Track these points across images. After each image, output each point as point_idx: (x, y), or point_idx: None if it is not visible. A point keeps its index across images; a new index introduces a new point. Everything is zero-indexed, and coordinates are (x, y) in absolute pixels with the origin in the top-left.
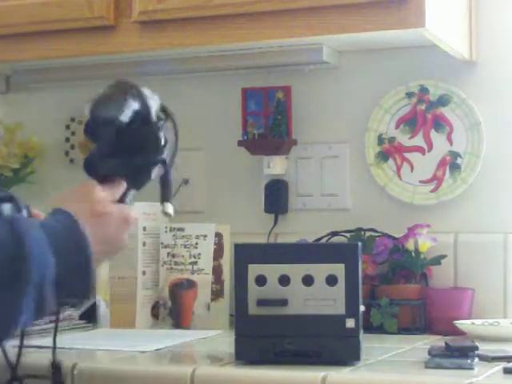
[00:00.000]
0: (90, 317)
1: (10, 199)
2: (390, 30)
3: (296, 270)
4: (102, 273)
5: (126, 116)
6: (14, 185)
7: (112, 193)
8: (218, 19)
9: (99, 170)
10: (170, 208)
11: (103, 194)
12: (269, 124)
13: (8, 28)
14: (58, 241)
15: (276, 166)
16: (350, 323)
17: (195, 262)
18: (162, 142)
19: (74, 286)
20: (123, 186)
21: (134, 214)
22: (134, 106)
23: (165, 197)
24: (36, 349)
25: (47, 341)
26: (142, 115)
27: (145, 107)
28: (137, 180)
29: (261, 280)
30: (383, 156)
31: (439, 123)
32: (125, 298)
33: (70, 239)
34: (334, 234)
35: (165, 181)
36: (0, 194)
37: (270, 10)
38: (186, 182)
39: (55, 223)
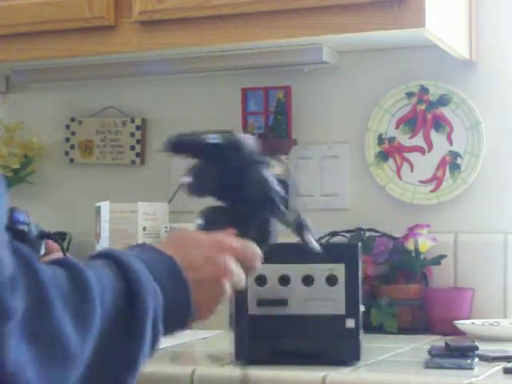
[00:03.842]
0: None
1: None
2: (390, 30)
3: (296, 270)
4: None
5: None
6: (14, 185)
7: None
8: (217, 19)
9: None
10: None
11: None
12: (269, 124)
13: (8, 28)
14: (156, 274)
15: (276, 165)
16: (350, 323)
17: None
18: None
19: (172, 324)
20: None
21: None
22: None
23: None
24: None
25: None
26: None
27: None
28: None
29: (261, 280)
30: (383, 156)
31: (439, 123)
32: None
33: (171, 277)
34: (334, 233)
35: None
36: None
37: (270, 9)
38: None
39: (152, 259)
